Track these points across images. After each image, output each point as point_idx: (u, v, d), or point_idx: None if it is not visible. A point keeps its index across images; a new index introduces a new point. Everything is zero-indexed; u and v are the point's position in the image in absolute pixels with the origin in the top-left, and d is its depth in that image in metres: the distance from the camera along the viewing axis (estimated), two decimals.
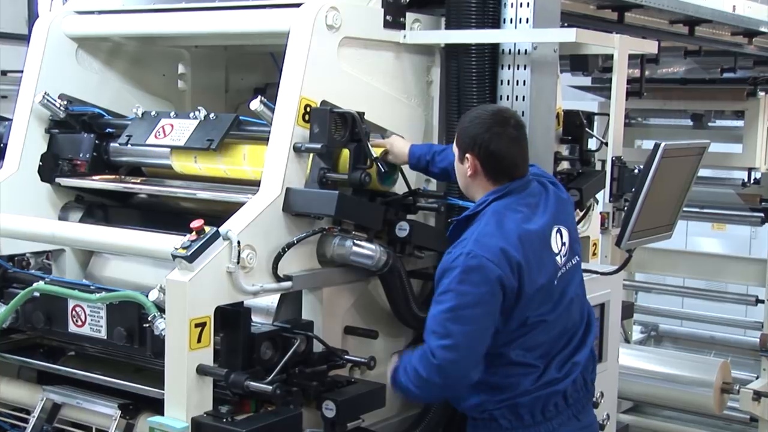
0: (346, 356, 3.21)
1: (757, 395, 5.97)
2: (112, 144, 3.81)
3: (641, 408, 6.47)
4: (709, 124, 6.46)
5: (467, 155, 3.04)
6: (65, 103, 3.76)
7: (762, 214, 6.38)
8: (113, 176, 3.82)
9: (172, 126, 3.55)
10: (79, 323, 3.21)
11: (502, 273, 2.88)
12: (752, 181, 6.24)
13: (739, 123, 6.21)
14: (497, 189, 3.04)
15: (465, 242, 2.94)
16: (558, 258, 3.07)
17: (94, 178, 3.76)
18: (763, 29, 5.23)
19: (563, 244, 3.09)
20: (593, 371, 3.22)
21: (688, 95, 6.19)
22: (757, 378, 6.35)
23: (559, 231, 3.09)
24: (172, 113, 3.63)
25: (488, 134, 3.01)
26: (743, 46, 5.43)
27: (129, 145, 3.64)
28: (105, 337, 3.15)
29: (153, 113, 3.66)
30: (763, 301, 6.37)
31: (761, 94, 5.99)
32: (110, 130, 3.83)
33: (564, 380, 3.06)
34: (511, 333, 2.98)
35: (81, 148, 3.79)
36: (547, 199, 3.12)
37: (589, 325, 3.19)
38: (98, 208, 3.83)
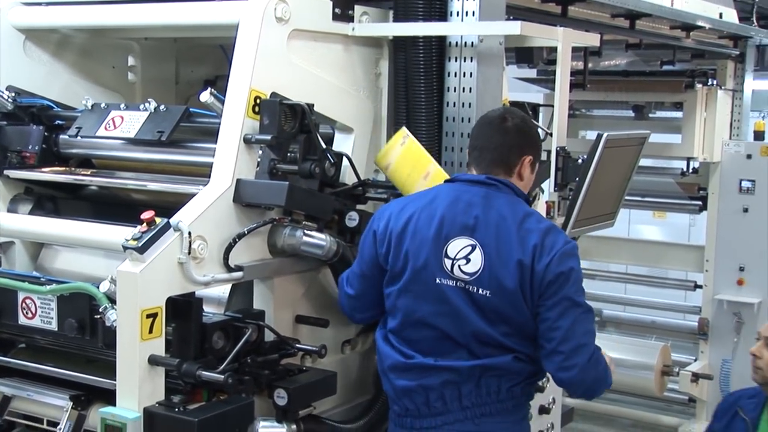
0: (297, 345, 3.19)
1: (696, 377, 6.08)
2: (61, 136, 3.75)
3: None
4: (650, 115, 6.53)
5: None
6: (13, 95, 3.70)
7: (700, 203, 6.48)
8: (63, 168, 3.75)
9: (122, 118, 3.51)
10: (30, 315, 3.15)
11: (375, 227, 3.11)
12: (691, 171, 6.33)
13: (678, 114, 6.30)
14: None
15: None
16: (447, 262, 2.96)
17: (43, 170, 3.69)
18: (700, 23, 5.30)
19: (468, 260, 2.95)
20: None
21: (629, 87, 6.25)
22: (695, 360, 6.46)
23: (473, 247, 2.94)
24: (122, 105, 3.58)
25: (478, 122, 3.15)
26: (681, 39, 5.51)
27: (79, 137, 3.59)
28: (56, 329, 3.09)
29: (103, 105, 3.61)
30: (701, 287, 6.49)
31: (698, 86, 6.07)
32: (60, 122, 3.77)
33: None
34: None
35: (30, 140, 3.71)
36: (485, 213, 2.98)
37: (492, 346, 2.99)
38: (48, 200, 3.76)
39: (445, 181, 3.15)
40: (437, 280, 2.97)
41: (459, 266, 2.95)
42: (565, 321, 2.91)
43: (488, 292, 2.93)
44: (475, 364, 2.96)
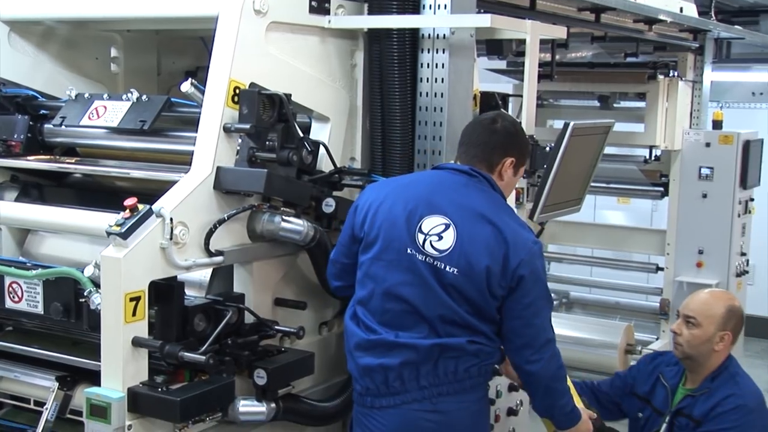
0: (276, 326, 3.19)
1: None
2: (46, 125, 3.71)
3: None
4: (614, 105, 6.55)
5: None
6: None
7: (662, 189, 6.52)
8: (48, 156, 3.72)
9: (105, 108, 3.48)
10: (16, 299, 3.13)
11: (358, 202, 3.15)
12: (653, 158, 6.36)
13: (641, 104, 6.32)
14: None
15: None
16: (420, 236, 2.98)
17: (28, 158, 3.65)
18: (661, 17, 5.33)
19: (440, 237, 2.97)
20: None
21: (594, 78, 6.26)
22: (657, 339, 6.52)
23: (446, 226, 2.97)
24: (105, 95, 3.55)
25: (471, 121, 3.22)
26: (644, 32, 5.53)
27: (63, 126, 3.56)
28: (42, 312, 3.08)
29: (86, 95, 3.58)
30: (662, 269, 6.54)
31: (660, 77, 6.10)
32: (44, 111, 3.74)
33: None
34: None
35: (15, 129, 3.68)
36: (462, 198, 3.01)
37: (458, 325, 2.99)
38: (33, 188, 3.73)
39: (432, 168, 3.21)
40: (408, 251, 2.99)
41: (431, 242, 2.97)
42: (539, 318, 2.98)
43: (456, 270, 2.95)
44: (434, 342, 2.97)
